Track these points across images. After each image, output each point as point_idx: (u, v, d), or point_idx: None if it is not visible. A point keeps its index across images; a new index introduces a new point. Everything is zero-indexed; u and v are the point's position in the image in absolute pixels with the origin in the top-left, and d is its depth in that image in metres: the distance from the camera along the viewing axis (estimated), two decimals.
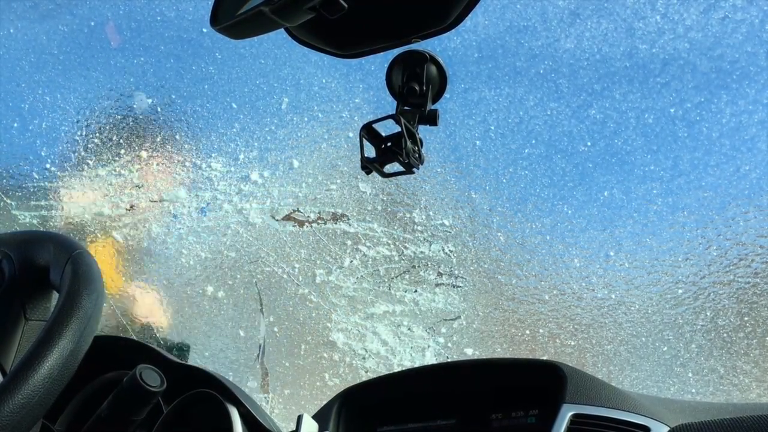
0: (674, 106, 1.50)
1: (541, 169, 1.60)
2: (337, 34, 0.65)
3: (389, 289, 1.73)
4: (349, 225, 1.75)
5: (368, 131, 0.74)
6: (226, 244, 1.84)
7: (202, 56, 1.74)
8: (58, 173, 1.85)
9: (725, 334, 1.53)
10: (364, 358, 1.73)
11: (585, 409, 0.82)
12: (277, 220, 1.75)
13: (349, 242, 1.73)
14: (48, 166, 1.84)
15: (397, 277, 1.72)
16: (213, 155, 1.82)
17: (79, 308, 0.71)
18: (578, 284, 1.61)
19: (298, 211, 1.77)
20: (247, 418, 0.93)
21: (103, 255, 1.84)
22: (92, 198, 1.84)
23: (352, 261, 1.73)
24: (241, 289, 1.82)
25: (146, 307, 1.84)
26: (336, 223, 1.74)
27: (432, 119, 0.74)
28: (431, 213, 1.71)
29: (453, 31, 0.64)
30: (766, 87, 1.45)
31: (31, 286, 0.85)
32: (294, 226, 1.78)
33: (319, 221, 1.74)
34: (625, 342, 1.60)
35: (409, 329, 1.71)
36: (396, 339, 1.71)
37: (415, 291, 1.72)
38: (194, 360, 1.82)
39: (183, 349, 1.81)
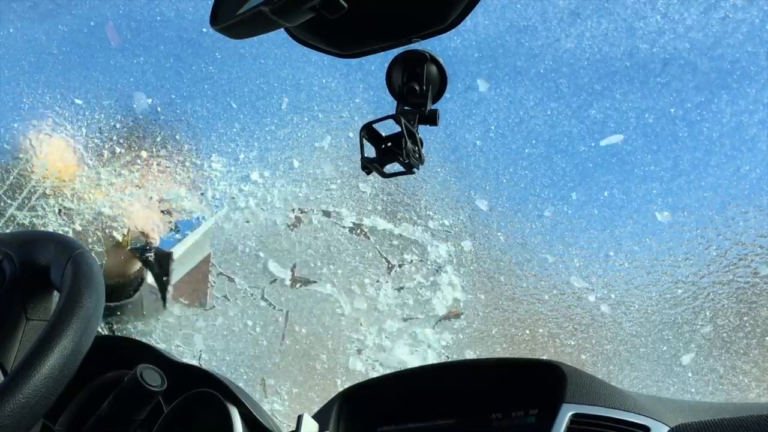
0: (674, 106, 1.50)
1: (541, 169, 1.60)
2: (337, 34, 0.65)
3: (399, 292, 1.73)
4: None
5: (368, 131, 0.74)
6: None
7: (202, 56, 1.74)
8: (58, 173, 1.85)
9: (725, 334, 1.53)
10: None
11: (585, 408, 0.82)
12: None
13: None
14: (48, 165, 1.85)
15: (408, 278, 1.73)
16: (213, 155, 1.82)
17: (80, 308, 0.71)
18: (578, 284, 1.61)
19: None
20: (248, 417, 0.93)
21: None
22: (93, 197, 1.84)
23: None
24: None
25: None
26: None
27: (432, 119, 0.74)
28: (431, 213, 1.71)
29: (453, 31, 0.64)
30: (767, 87, 1.45)
31: (31, 286, 0.85)
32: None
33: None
34: (625, 342, 1.60)
35: (416, 331, 1.72)
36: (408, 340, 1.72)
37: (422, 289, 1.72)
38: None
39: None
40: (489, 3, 1.49)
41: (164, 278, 1.84)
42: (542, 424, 0.88)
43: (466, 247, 1.69)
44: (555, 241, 1.61)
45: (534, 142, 1.58)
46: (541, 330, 1.64)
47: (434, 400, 1.03)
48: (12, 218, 1.83)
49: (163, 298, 1.85)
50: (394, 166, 0.75)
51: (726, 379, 1.53)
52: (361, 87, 1.63)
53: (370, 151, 0.75)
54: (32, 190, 1.82)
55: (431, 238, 1.72)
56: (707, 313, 1.53)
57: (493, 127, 1.59)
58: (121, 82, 1.80)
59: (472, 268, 1.69)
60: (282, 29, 0.59)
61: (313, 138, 1.73)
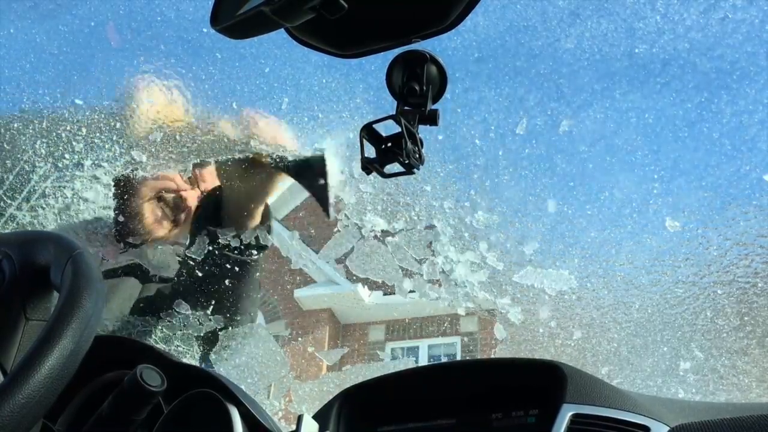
0: (674, 106, 1.50)
1: (541, 169, 1.60)
2: (337, 34, 0.66)
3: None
4: None
5: (368, 131, 0.74)
6: None
7: (202, 56, 1.74)
8: (58, 173, 1.85)
9: (725, 334, 1.53)
10: None
11: (585, 408, 0.82)
12: None
13: None
14: (48, 166, 1.85)
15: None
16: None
17: (80, 308, 0.71)
18: (578, 284, 1.61)
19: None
20: (247, 418, 0.93)
21: None
22: (93, 197, 1.84)
23: None
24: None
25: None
26: None
27: (432, 119, 0.75)
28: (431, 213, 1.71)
29: (453, 31, 0.64)
30: (767, 87, 1.45)
31: (31, 286, 0.85)
32: None
33: None
34: (625, 342, 1.60)
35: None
36: None
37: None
38: None
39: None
40: (489, 3, 1.48)
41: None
42: (542, 424, 0.88)
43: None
44: (555, 241, 1.61)
45: (534, 142, 1.58)
46: (541, 330, 1.64)
47: (434, 400, 1.03)
48: (12, 218, 1.83)
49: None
50: (394, 166, 0.75)
51: (726, 379, 1.53)
52: (361, 87, 1.62)
53: (371, 152, 0.75)
54: (32, 190, 1.82)
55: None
56: (708, 313, 1.53)
57: (493, 127, 1.59)
58: (121, 82, 1.80)
59: (472, 269, 1.69)
60: (282, 29, 0.59)
61: (313, 138, 1.73)
